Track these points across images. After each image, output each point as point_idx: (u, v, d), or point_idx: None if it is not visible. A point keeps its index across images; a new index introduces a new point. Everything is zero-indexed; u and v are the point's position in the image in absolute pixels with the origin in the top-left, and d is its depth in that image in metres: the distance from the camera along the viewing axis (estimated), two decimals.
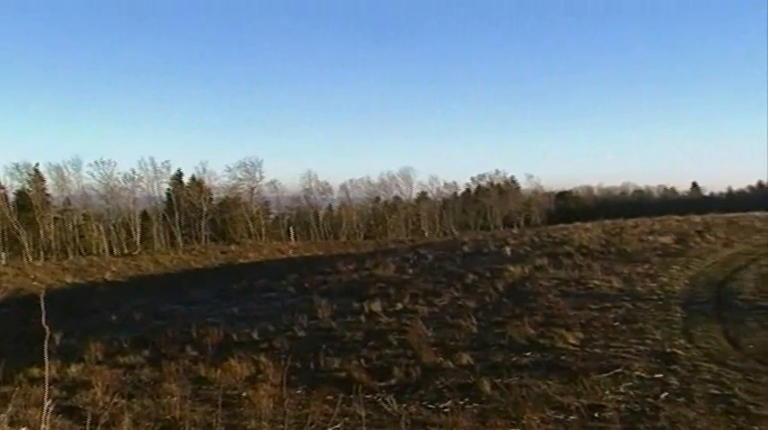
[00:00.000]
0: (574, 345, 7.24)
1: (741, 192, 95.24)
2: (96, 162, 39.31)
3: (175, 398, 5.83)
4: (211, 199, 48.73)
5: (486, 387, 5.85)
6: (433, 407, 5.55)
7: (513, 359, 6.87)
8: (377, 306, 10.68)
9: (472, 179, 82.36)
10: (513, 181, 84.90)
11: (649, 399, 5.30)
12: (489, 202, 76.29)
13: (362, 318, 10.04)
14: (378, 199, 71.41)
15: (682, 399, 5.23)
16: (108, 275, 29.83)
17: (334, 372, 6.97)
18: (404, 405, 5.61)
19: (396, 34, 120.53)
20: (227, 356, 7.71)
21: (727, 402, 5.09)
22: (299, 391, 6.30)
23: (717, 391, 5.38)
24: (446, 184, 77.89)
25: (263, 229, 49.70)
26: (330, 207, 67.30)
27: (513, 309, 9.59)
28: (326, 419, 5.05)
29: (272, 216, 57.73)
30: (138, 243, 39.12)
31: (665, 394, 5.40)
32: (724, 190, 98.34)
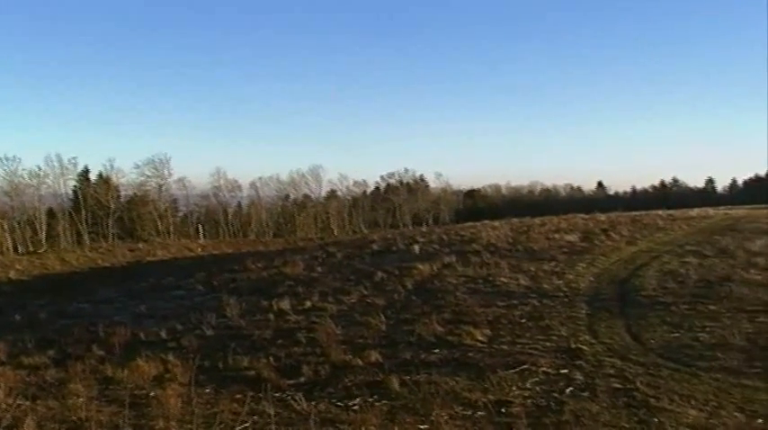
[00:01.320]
0: (481, 342, 10.40)
1: (644, 192, 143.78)
2: (0, 158, 56.82)
3: (81, 399, 8.11)
4: (119, 196, 69.69)
5: (395, 384, 8.41)
6: (342, 404, 7.94)
7: (422, 356, 9.81)
8: (286, 304, 15.19)
9: (381, 177, 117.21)
10: (422, 179, 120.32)
11: (555, 394, 7.90)
12: (398, 201, 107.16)
13: (271, 316, 14.25)
14: (287, 197, 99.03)
15: (586, 394, 7.86)
16: (12, 274, 42.86)
17: (242, 371, 9.89)
18: (313, 403, 7.99)
19: (304, 29, 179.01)
20: (134, 356, 10.85)
21: (629, 396, 7.76)
22: (207, 390, 8.95)
23: (619, 385, 8.13)
24: (355, 183, 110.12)
25: (172, 227, 72.02)
26: (239, 205, 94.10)
27: (422, 307, 13.66)
28: (235, 418, 7.30)
29: (180, 214, 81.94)
30: (43, 241, 55.89)
31: (570, 389, 8.05)
32: (628, 189, 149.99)
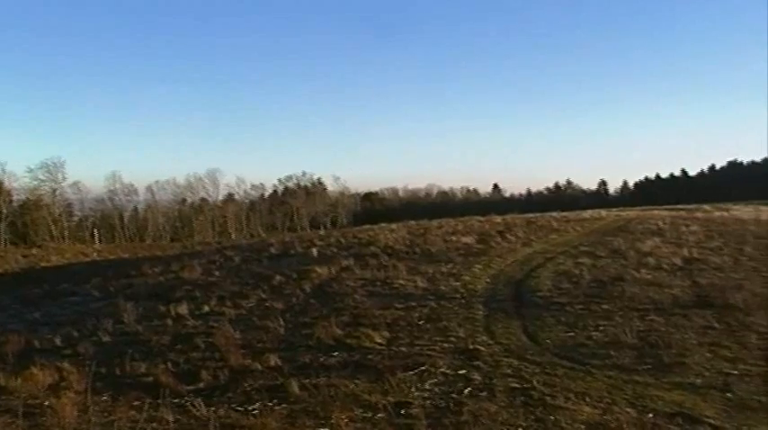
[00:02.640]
0: (380, 345, 10.73)
1: (539, 194, 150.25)
2: None
3: None
4: (11, 201, 71.34)
5: (295, 387, 8.58)
6: (242, 409, 8.06)
7: (321, 359, 10.08)
8: (183, 309, 15.38)
9: (279, 180, 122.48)
10: (319, 182, 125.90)
11: (453, 395, 8.16)
12: (296, 204, 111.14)
13: (169, 321, 14.37)
14: (184, 201, 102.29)
15: (484, 394, 8.13)
16: None
17: (140, 377, 9.97)
18: (212, 408, 8.05)
19: (198, 32, 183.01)
20: (28, 364, 10.71)
21: (526, 395, 8.07)
22: (104, 398, 8.94)
23: (517, 385, 8.45)
24: (253, 186, 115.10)
25: (67, 232, 73.87)
26: (135, 209, 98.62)
27: (321, 310, 14.02)
28: (133, 425, 7.37)
29: (75, 218, 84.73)
30: None
31: (469, 389, 8.32)
32: (523, 191, 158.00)
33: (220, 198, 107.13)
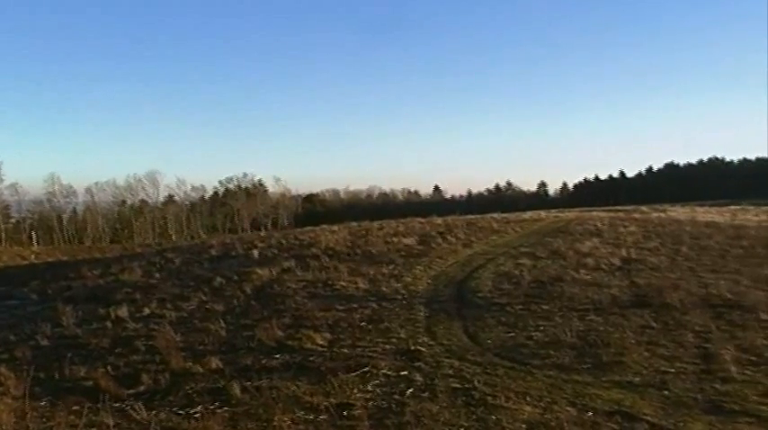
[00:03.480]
0: (322, 346, 10.80)
1: (480, 196, 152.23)
2: None
3: None
4: None
5: (237, 390, 8.58)
6: (183, 412, 8.03)
7: (263, 361, 10.08)
8: (123, 312, 15.29)
9: (220, 182, 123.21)
10: (260, 184, 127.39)
11: (396, 396, 8.23)
12: (237, 205, 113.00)
13: (109, 324, 14.27)
14: (124, 202, 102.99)
15: (426, 394, 8.22)
16: None
17: (80, 381, 9.83)
18: (153, 412, 8.03)
19: (141, 30, 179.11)
20: None
21: (467, 395, 8.19)
22: (42, 403, 8.82)
23: (458, 385, 8.56)
24: (194, 187, 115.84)
25: (3, 234, 74.27)
26: (74, 211, 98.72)
27: (262, 312, 14.07)
28: None
29: (12, 220, 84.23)
30: None
31: (411, 390, 8.41)
32: (464, 193, 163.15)
33: (160, 199, 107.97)
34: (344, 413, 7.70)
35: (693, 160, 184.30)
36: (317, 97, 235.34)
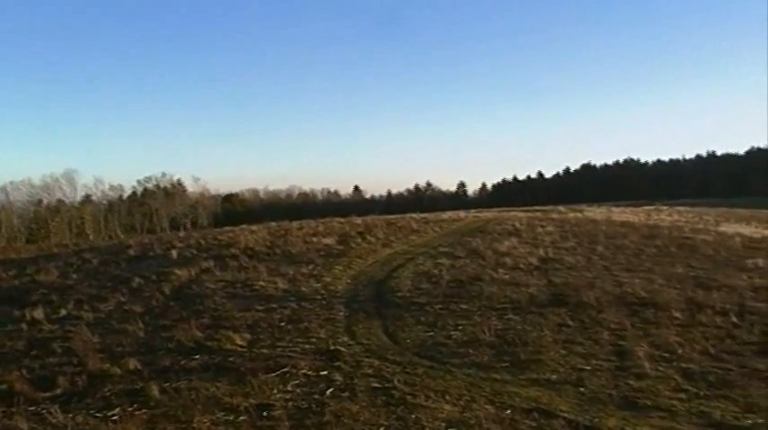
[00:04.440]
0: (241, 347, 10.78)
1: (399, 196, 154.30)
2: None
3: None
4: None
5: (155, 391, 8.51)
6: (101, 415, 7.92)
7: (182, 362, 10.00)
8: (39, 313, 14.96)
9: (138, 181, 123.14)
10: (179, 183, 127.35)
11: (316, 396, 8.29)
12: (156, 205, 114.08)
13: (24, 326, 14.05)
14: (40, 202, 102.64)
15: (346, 394, 8.29)
16: None
17: None
18: (70, 415, 7.89)
19: (61, 28, 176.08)
20: None
21: (387, 394, 8.28)
22: None
23: (378, 385, 8.65)
24: (111, 187, 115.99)
25: None
26: None
27: (181, 312, 14.05)
28: None
29: None
30: None
31: (331, 390, 8.47)
32: (384, 193, 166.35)
33: (78, 199, 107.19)
34: (264, 414, 7.72)
35: (610, 161, 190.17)
36: (235, 96, 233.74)
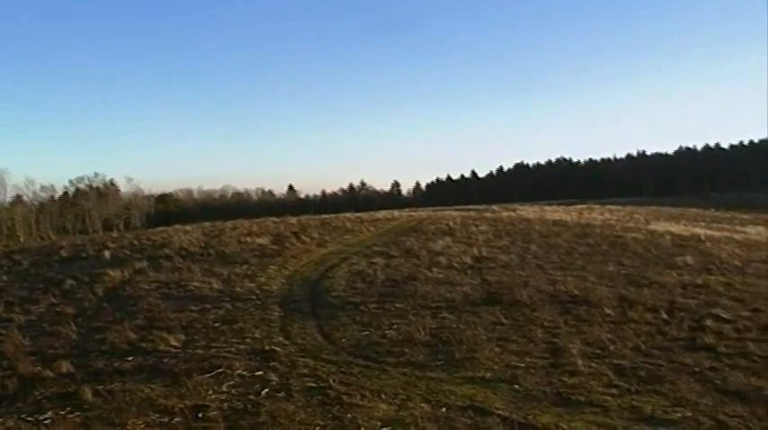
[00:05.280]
0: (176, 348, 10.73)
1: (334, 195, 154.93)
2: None
3: None
4: None
5: (88, 394, 8.41)
6: (33, 419, 7.81)
7: (116, 364, 9.91)
8: None
9: (70, 182, 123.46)
10: (112, 184, 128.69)
11: (251, 396, 8.27)
12: (88, 206, 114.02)
13: None
14: None
15: (281, 394, 8.29)
16: None
17: None
18: (0, 419, 7.72)
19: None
20: None
21: (323, 394, 8.30)
22: None
23: (314, 384, 8.67)
24: (43, 187, 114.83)
25: None
26: None
27: (114, 314, 13.95)
28: None
29: None
30: None
31: (266, 390, 8.46)
32: (318, 193, 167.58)
33: (8, 200, 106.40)
34: (199, 415, 7.70)
35: (542, 161, 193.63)
36: (167, 96, 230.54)
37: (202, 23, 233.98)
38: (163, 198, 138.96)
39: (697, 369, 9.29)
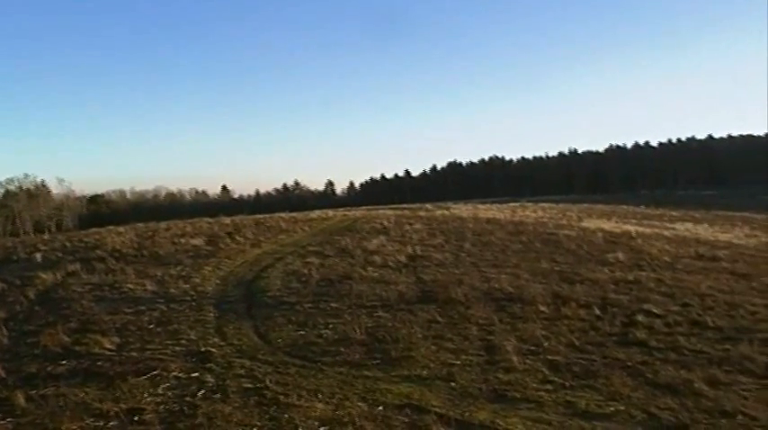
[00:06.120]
0: (110, 350, 10.61)
1: (268, 195, 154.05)
2: None
3: None
4: None
5: (21, 399, 8.31)
6: None
7: (49, 368, 9.73)
8: None
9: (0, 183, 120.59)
10: (43, 185, 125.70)
11: (187, 398, 8.22)
12: (18, 207, 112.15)
13: None
14: None
15: (218, 396, 8.26)
16: None
17: None
18: None
19: None
20: None
21: (260, 394, 8.29)
22: None
23: (250, 385, 8.65)
24: None
25: None
26: None
27: (47, 317, 13.75)
28: None
29: None
30: None
31: (202, 392, 8.43)
32: (252, 193, 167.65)
33: None
34: (135, 418, 7.64)
35: (475, 159, 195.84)
36: (98, 96, 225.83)
37: (132, 22, 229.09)
38: (95, 199, 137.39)
39: (629, 363, 9.56)
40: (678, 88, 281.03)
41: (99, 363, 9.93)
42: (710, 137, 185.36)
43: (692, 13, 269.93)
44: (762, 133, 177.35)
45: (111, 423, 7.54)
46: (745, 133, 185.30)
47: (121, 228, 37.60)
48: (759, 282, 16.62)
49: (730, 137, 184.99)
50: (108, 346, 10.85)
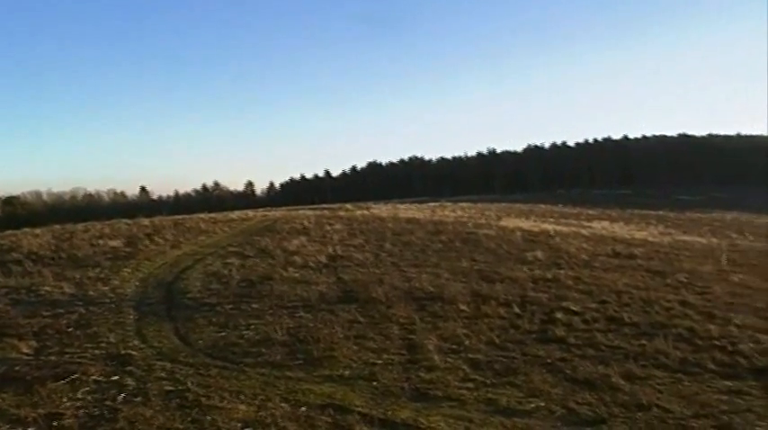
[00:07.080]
0: (27, 355, 10.37)
1: (187, 196, 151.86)
2: None
3: None
4: None
5: None
6: None
7: None
8: None
9: None
10: None
11: (108, 402, 8.07)
12: None
13: None
14: None
15: (139, 399, 8.13)
16: None
17: None
18: None
19: None
20: None
21: (181, 397, 8.20)
22: None
23: (171, 388, 8.55)
24: None
25: None
26: None
27: None
28: None
29: None
30: None
31: (123, 395, 8.28)
32: (171, 193, 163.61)
33: None
34: (54, 423, 7.46)
35: (395, 159, 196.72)
36: (13, 95, 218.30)
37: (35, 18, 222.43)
38: (10, 201, 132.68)
39: (549, 360, 9.85)
40: (596, 88, 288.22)
41: (16, 368, 9.64)
42: (626, 137, 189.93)
43: (605, 15, 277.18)
44: (674, 133, 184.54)
45: (30, 429, 7.37)
46: (658, 133, 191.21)
47: (38, 230, 35.97)
48: (673, 279, 17.31)
49: (644, 137, 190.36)
50: (25, 351, 10.61)
